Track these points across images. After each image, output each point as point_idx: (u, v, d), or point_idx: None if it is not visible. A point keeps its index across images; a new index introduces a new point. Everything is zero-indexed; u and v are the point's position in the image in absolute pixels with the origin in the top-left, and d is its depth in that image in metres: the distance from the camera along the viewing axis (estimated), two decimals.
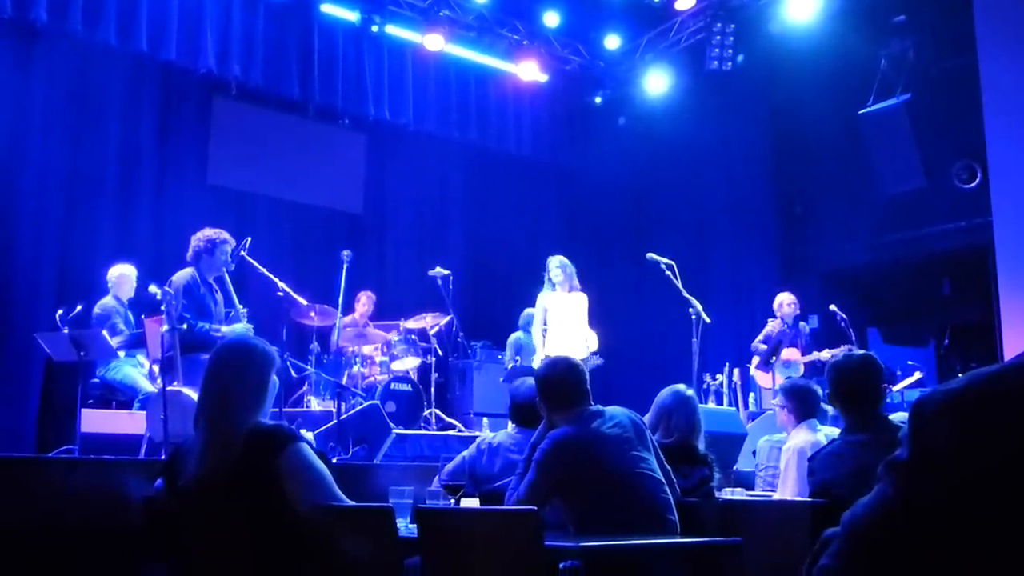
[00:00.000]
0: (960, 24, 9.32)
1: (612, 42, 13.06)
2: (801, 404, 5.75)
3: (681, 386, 5.19)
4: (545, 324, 8.84)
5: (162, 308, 6.59)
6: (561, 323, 8.75)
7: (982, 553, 1.22)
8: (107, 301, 8.17)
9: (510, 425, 5.14)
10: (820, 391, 6.07)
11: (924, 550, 1.27)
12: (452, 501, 4.07)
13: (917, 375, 9.40)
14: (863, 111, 10.59)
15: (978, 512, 1.22)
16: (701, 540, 3.69)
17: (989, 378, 1.28)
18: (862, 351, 4.34)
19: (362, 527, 3.33)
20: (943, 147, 10.34)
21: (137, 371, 7.76)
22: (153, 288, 6.85)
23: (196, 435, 3.50)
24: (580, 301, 8.88)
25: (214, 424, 3.44)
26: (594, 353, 8.84)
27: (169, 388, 6.17)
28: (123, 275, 8.33)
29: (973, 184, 10.18)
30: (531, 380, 4.96)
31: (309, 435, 7.04)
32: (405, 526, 3.55)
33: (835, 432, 4.63)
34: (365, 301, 9.95)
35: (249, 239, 7.51)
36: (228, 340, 3.75)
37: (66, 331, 7.34)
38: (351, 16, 11.37)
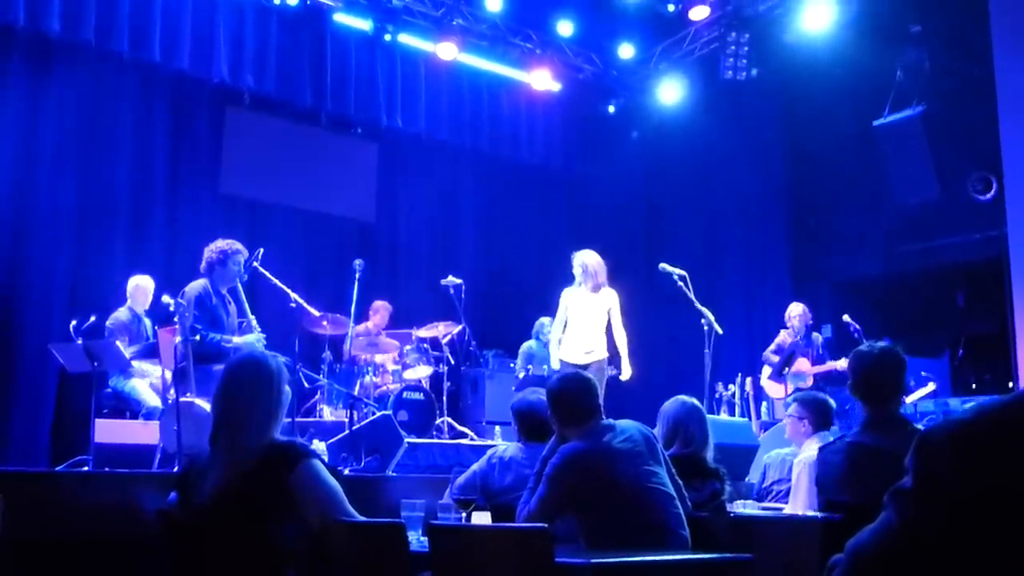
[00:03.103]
0: (976, 34, 9.29)
1: (626, 51, 13.05)
2: (818, 415, 5.78)
3: (685, 396, 5.20)
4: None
5: (175, 319, 6.65)
6: (577, 323, 8.65)
7: None
8: (120, 313, 8.23)
9: None
10: (833, 403, 6.11)
11: None
12: (463, 515, 4.08)
13: (931, 386, 9.38)
14: (878, 122, 10.58)
15: (983, 542, 1.23)
16: (712, 556, 3.70)
17: (997, 409, 1.29)
18: (883, 343, 4.29)
19: (373, 542, 3.36)
20: (958, 158, 10.32)
21: (144, 383, 7.82)
22: (166, 299, 6.92)
23: (212, 452, 3.54)
24: (605, 301, 8.73)
25: (230, 441, 3.48)
26: (611, 363, 8.76)
27: (182, 399, 6.22)
28: (139, 287, 8.38)
29: (988, 195, 10.16)
30: (530, 395, 5.00)
31: (321, 446, 7.14)
32: (417, 539, 3.57)
33: None
34: (382, 312, 9.99)
35: (262, 250, 7.55)
36: (240, 357, 3.77)
37: (80, 342, 7.39)
38: (364, 25, 11.41)
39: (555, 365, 8.70)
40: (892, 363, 4.14)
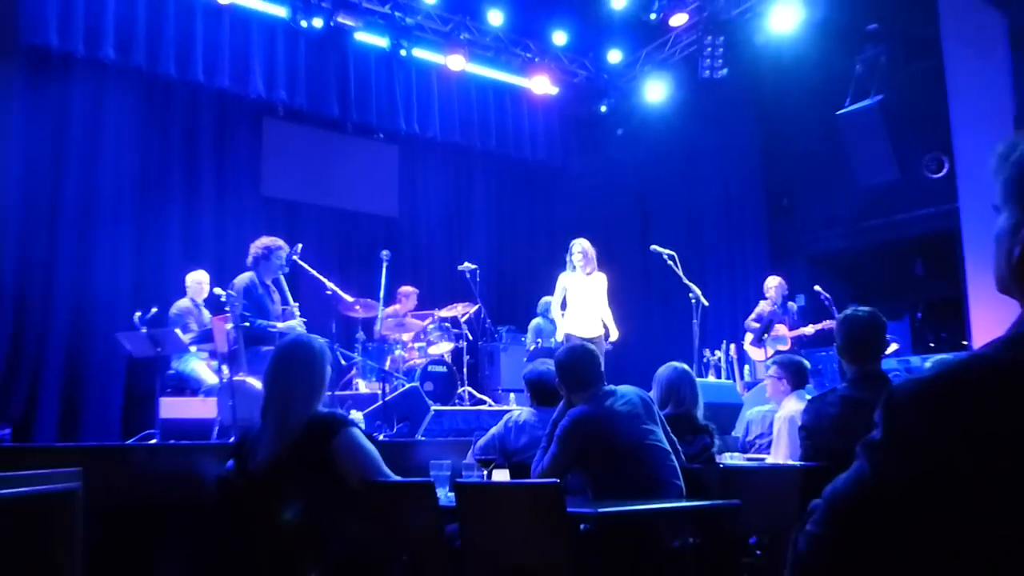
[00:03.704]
0: (927, 30, 9.24)
1: (614, 56, 13.03)
2: (795, 375, 5.77)
3: (676, 363, 5.20)
4: (564, 303, 8.85)
5: (227, 308, 6.68)
6: (580, 302, 8.67)
7: (948, 526, 1.23)
8: (182, 303, 8.30)
9: None
10: (808, 364, 6.11)
11: (896, 522, 1.27)
12: (485, 473, 4.11)
13: (894, 346, 9.35)
14: (841, 111, 10.54)
15: (944, 490, 1.22)
16: (704, 504, 3.72)
17: (955, 368, 1.28)
18: (867, 308, 4.25)
19: (407, 499, 3.39)
20: (913, 142, 10.27)
21: (203, 364, 7.86)
22: (219, 290, 6.97)
23: (264, 425, 3.57)
24: (599, 282, 8.74)
25: (280, 415, 3.51)
26: (606, 337, 8.80)
27: (235, 378, 6.25)
28: (197, 280, 8.48)
29: (941, 174, 10.13)
30: (540, 365, 5.01)
31: (359, 415, 7.17)
32: (445, 495, 3.59)
33: None
34: (412, 296, 10.01)
35: (300, 245, 7.56)
36: (289, 340, 3.80)
37: (144, 330, 7.43)
38: (382, 42, 11.37)
39: (560, 338, 8.73)
40: (876, 326, 4.14)
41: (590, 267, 8.66)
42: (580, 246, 8.70)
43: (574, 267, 8.69)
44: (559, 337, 8.76)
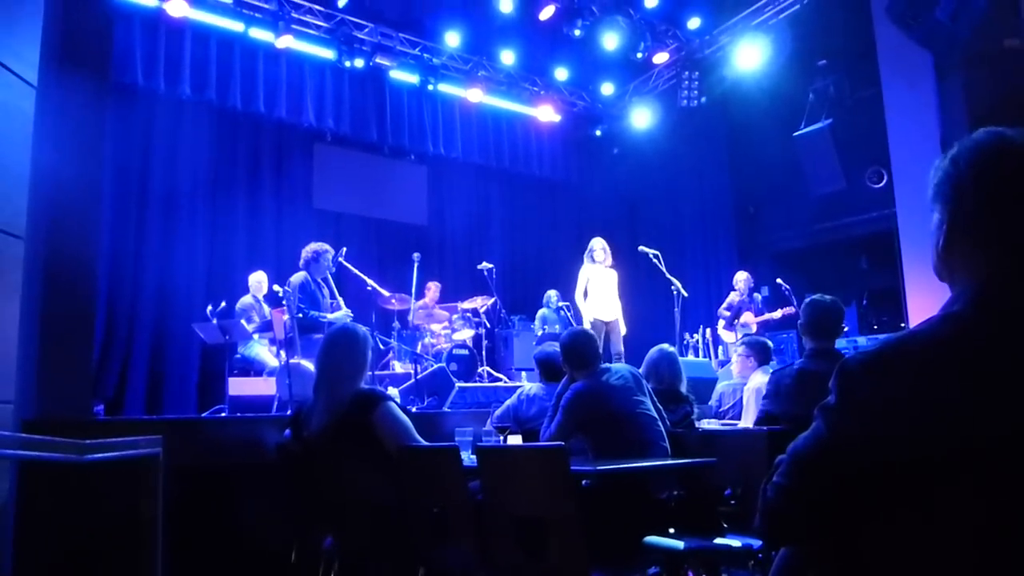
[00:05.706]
0: (868, 65, 9.16)
1: (607, 88, 12.98)
2: (761, 353, 5.76)
3: (665, 345, 5.16)
4: (586, 293, 8.83)
5: (284, 302, 6.67)
6: (602, 291, 8.66)
7: (894, 474, 1.24)
8: (246, 299, 8.31)
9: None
10: (771, 344, 6.07)
11: (848, 472, 1.29)
12: (501, 438, 4.08)
13: (843, 328, 9.30)
14: (797, 133, 10.48)
15: (886, 444, 1.24)
16: (686, 461, 3.69)
17: (899, 341, 1.30)
18: (830, 297, 4.23)
19: (436, 461, 3.37)
20: (858, 157, 10.20)
21: (264, 350, 7.86)
22: (277, 287, 6.96)
23: (315, 399, 3.55)
24: (615, 275, 8.78)
25: (329, 391, 3.50)
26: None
27: (291, 361, 6.24)
28: (257, 280, 8.49)
29: (881, 184, 10.05)
30: (547, 347, 4.99)
31: (394, 391, 7.13)
32: (468, 457, 3.57)
33: None
34: (434, 290, 10.00)
35: (345, 249, 7.55)
36: (337, 328, 3.78)
37: (215, 321, 7.43)
38: (413, 79, 11.35)
39: (587, 323, 8.61)
40: (836, 310, 4.13)
41: (608, 260, 8.71)
42: (602, 243, 8.80)
43: (594, 260, 8.71)
44: (586, 322, 8.69)
